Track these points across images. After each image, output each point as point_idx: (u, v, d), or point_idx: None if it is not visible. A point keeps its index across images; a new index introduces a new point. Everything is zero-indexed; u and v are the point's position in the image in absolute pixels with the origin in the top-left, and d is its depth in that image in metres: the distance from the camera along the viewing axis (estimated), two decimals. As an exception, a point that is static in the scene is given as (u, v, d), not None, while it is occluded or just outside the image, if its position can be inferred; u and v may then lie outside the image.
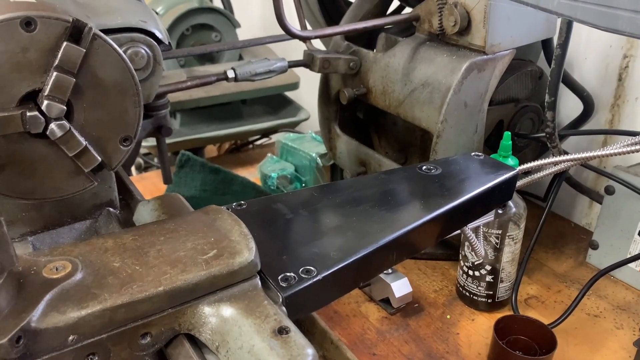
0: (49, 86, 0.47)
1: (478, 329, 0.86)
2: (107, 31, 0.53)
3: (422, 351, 0.81)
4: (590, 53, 1.05)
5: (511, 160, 0.80)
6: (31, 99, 0.48)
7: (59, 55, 0.47)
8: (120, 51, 0.51)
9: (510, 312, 0.87)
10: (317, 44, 1.04)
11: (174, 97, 1.30)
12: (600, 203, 0.97)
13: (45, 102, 0.47)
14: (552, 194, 0.96)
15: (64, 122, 0.49)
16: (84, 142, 0.51)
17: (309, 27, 1.09)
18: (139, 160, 1.62)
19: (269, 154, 1.31)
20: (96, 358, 0.42)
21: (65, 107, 0.48)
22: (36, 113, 0.47)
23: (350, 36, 1.02)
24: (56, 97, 0.48)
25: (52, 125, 0.49)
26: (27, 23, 0.46)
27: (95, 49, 0.49)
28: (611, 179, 0.92)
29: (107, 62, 0.51)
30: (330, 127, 1.10)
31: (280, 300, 0.48)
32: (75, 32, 0.48)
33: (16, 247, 0.58)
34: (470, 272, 0.86)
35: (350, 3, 1.06)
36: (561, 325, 0.83)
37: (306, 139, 1.30)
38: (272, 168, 1.24)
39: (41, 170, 0.52)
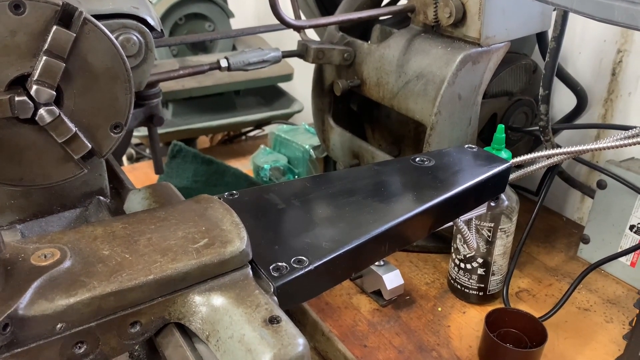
0: (38, 71, 0.46)
1: (469, 321, 0.86)
2: (98, 17, 0.52)
3: (413, 343, 0.81)
4: (585, 47, 1.05)
5: (504, 153, 0.80)
6: (20, 83, 0.47)
7: (49, 39, 0.46)
8: (112, 37, 0.50)
9: (502, 305, 0.88)
10: (312, 35, 1.03)
11: (166, 87, 1.29)
12: (592, 197, 0.97)
13: (35, 87, 0.47)
14: (545, 188, 0.96)
15: (54, 107, 0.48)
16: (74, 129, 0.50)
17: (303, 17, 1.08)
18: (131, 150, 1.61)
19: (262, 146, 1.31)
20: (85, 346, 0.41)
21: (54, 93, 0.48)
22: (25, 98, 0.47)
23: (344, 27, 1.02)
24: (45, 82, 0.47)
25: (41, 111, 0.48)
26: (16, 6, 0.45)
27: (86, 33, 0.48)
28: (603, 173, 0.92)
29: (97, 48, 0.50)
30: (323, 118, 1.10)
31: (272, 289, 0.47)
32: (66, 16, 0.47)
33: (4, 234, 0.57)
34: (462, 265, 0.86)
35: (345, -6, 1.05)
36: (552, 318, 0.84)
37: (299, 131, 1.30)
38: (265, 160, 1.24)
39: (30, 156, 0.51)
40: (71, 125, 0.50)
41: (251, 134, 1.65)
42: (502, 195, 0.71)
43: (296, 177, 1.23)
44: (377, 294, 0.88)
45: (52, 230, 0.60)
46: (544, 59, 0.82)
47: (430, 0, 0.87)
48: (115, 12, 0.58)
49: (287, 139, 1.26)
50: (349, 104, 1.12)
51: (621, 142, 0.66)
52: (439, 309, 0.88)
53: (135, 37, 0.60)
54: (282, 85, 1.55)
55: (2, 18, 0.44)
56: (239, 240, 0.47)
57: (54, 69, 0.47)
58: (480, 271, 0.85)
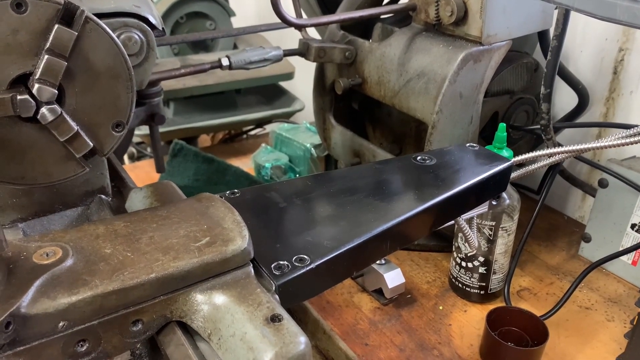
0: (39, 69, 0.46)
1: (470, 320, 0.86)
2: (100, 15, 0.52)
3: (414, 342, 0.81)
4: (586, 46, 1.05)
5: (506, 152, 0.80)
6: (22, 82, 0.47)
7: (51, 38, 0.46)
8: (113, 35, 0.50)
9: (503, 304, 0.88)
10: (313, 33, 1.03)
11: (168, 86, 1.29)
12: (594, 196, 0.97)
13: (36, 85, 0.47)
14: (546, 187, 0.96)
15: (55, 106, 0.48)
16: (76, 127, 0.50)
17: (304, 15, 1.08)
18: (132, 149, 1.61)
19: (263, 144, 1.31)
20: (87, 344, 0.41)
21: (56, 91, 0.48)
22: (27, 96, 0.47)
23: (346, 25, 1.02)
24: (47, 81, 0.47)
25: (43, 110, 0.48)
26: (18, 4, 0.45)
27: (88, 32, 0.48)
28: (605, 172, 0.92)
29: (99, 46, 0.50)
30: (325, 117, 1.10)
31: (273, 288, 0.48)
32: (67, 14, 0.47)
33: (6, 233, 0.57)
34: (463, 264, 0.86)
35: (347, -8, 1.05)
36: (553, 317, 0.84)
37: (300, 130, 1.30)
38: (266, 158, 1.24)
39: (32, 155, 0.51)
40: (73, 123, 0.50)
41: (252, 132, 1.65)
42: (504, 194, 0.71)
43: (297, 175, 1.23)
44: (378, 292, 0.88)
45: (54, 229, 0.61)
46: (546, 58, 0.82)
47: (431, -2, 0.87)
48: (117, 11, 0.58)
49: (288, 137, 1.26)
50: (350, 103, 1.12)
51: (622, 141, 0.66)
52: (440, 307, 0.88)
53: (136, 36, 0.60)
54: (283, 84, 1.55)
55: (4, 17, 0.45)
56: (240, 239, 0.47)
57: (55, 67, 0.47)
58: (481, 270, 0.85)
